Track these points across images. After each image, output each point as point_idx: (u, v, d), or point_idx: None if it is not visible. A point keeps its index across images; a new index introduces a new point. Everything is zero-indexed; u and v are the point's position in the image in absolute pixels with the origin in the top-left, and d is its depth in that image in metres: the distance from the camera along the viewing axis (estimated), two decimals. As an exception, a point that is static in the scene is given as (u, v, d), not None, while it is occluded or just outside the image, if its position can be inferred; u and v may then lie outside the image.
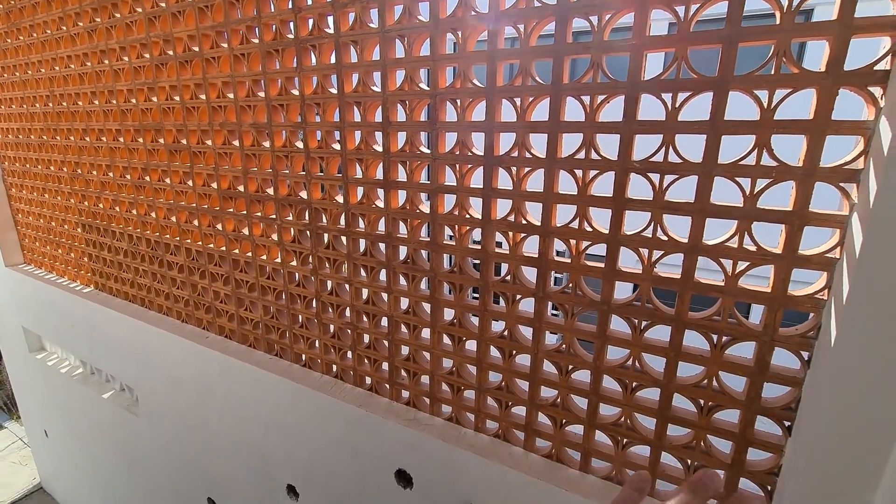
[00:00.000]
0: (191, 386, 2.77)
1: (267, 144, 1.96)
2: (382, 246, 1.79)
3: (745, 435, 1.26)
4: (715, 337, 1.24)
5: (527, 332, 1.56)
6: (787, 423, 1.22)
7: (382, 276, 1.82)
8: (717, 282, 1.20)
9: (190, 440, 3.03)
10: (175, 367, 2.81)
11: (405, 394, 1.95)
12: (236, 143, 2.05)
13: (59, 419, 4.83)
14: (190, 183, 2.33)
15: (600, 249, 1.34)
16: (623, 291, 1.27)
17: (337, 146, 1.76)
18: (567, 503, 1.51)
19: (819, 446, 1.07)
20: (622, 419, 1.45)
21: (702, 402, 1.31)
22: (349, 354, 2.06)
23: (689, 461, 1.38)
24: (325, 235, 1.92)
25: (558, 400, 1.55)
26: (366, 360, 2.02)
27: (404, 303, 1.81)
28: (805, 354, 1.15)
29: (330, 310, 2.04)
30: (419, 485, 1.91)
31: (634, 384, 1.40)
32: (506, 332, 1.58)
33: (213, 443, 2.85)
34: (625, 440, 1.47)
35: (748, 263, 1.14)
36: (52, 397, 4.69)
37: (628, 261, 1.32)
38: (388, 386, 1.97)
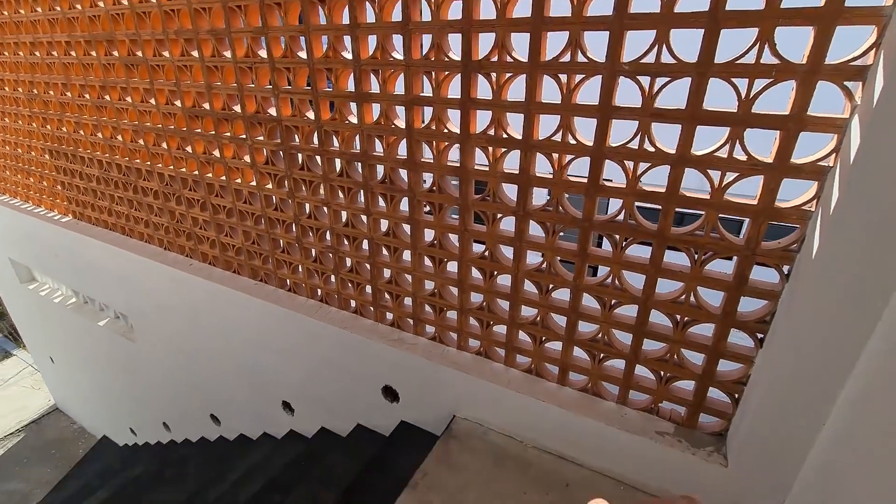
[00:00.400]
0: (180, 312, 2.80)
1: (228, 54, 1.79)
2: (359, 166, 1.70)
3: (717, 348, 1.28)
4: (696, 253, 1.21)
5: (508, 251, 1.53)
6: (759, 336, 1.23)
7: (361, 198, 1.75)
8: (702, 195, 1.14)
9: (186, 363, 3.13)
10: (162, 294, 2.81)
11: (389, 315, 1.97)
12: (195, 53, 1.87)
13: (61, 347, 4.97)
14: (152, 101, 2.17)
15: (583, 168, 1.26)
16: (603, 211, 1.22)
17: (303, 54, 1.60)
18: (544, 412, 1.57)
19: (789, 356, 1.09)
20: (600, 335, 1.47)
21: (678, 317, 1.31)
22: (332, 278, 2.05)
23: (661, 373, 1.42)
24: (299, 156, 1.82)
25: (538, 318, 1.56)
26: (349, 284, 2.01)
27: (384, 225, 1.77)
28: (785, 268, 1.13)
29: (310, 234, 1.99)
30: (405, 399, 1.99)
31: (613, 301, 1.40)
32: (486, 253, 1.55)
33: (208, 365, 2.95)
34: (601, 355, 1.50)
35: (737, 174, 1.08)
36: (50, 326, 4.78)
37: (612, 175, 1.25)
38: (372, 308, 1.98)
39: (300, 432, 2.63)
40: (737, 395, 1.32)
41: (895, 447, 0.81)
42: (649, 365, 1.42)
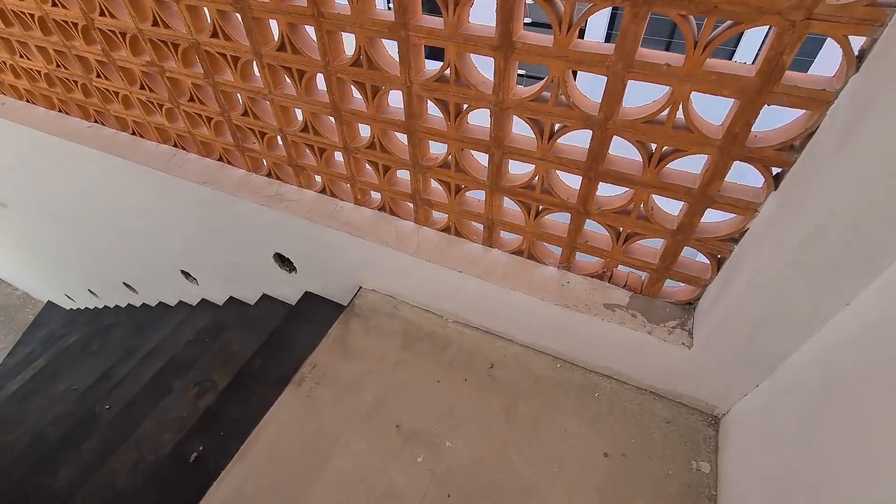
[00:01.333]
0: (19, 168, 2.17)
1: None
2: None
3: (706, 192, 0.83)
4: (699, 24, 0.66)
5: (392, 49, 0.94)
6: (776, 171, 0.77)
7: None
8: None
9: (63, 229, 2.60)
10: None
11: (265, 163, 1.43)
12: None
13: (-50, 214, 4.31)
14: None
15: None
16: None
17: None
18: (465, 281, 1.19)
19: (830, 199, 0.65)
20: (536, 179, 1.00)
21: (653, 146, 0.83)
22: (178, 114, 1.43)
23: (620, 229, 0.99)
24: None
25: (450, 157, 1.06)
26: (199, 120, 1.41)
27: (207, 18, 1.10)
28: (857, 44, 0.62)
29: (119, 45, 1.30)
30: (302, 268, 1.59)
31: (556, 126, 0.89)
32: (361, 56, 0.95)
33: (87, 230, 2.43)
34: (539, 206, 1.05)
35: None
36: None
37: None
38: (238, 154, 1.43)
39: (211, 300, 2.30)
40: (720, 256, 0.93)
41: None
42: (603, 219, 0.99)
